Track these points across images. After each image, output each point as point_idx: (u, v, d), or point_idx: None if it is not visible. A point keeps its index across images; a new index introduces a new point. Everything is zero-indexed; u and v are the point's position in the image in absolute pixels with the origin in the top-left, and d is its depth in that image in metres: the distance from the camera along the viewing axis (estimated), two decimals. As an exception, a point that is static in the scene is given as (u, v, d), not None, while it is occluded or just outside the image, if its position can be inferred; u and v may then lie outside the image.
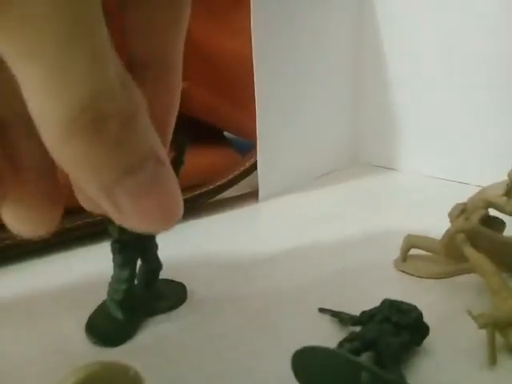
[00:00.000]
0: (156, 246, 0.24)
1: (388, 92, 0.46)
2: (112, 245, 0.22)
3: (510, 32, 0.39)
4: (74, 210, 0.32)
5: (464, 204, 0.28)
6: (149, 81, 0.15)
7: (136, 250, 0.23)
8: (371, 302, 0.23)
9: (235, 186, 0.40)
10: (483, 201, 0.27)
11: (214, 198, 0.39)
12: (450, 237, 0.25)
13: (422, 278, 0.28)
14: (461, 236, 0.25)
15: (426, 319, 0.23)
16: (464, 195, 0.29)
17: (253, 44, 0.37)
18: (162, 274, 0.26)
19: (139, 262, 0.24)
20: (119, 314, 0.23)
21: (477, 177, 0.41)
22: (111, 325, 0.23)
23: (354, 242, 0.33)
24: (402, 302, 0.22)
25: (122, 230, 0.22)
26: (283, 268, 0.29)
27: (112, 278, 0.23)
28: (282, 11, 0.39)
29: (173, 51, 0.16)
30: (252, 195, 0.40)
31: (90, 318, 0.23)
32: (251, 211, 0.38)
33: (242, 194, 0.41)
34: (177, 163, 0.23)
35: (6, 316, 0.25)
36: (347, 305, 0.24)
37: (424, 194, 0.41)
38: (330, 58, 0.44)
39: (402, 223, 0.35)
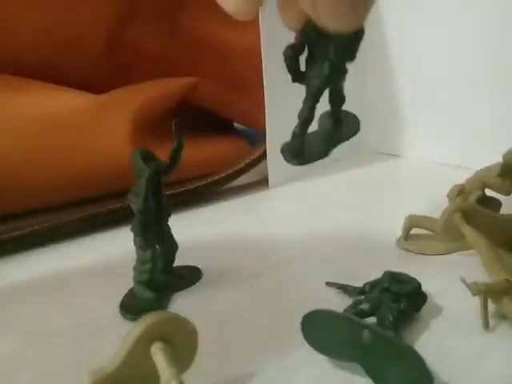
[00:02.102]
0: (170, 228, 0.26)
1: (391, 80, 0.47)
2: (134, 226, 0.24)
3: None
4: (97, 199, 0.35)
5: (462, 185, 0.30)
6: None
7: (155, 231, 0.25)
8: (375, 276, 0.25)
9: (246, 174, 0.42)
10: (479, 182, 0.29)
11: (226, 186, 0.41)
12: (447, 215, 0.27)
13: (423, 254, 0.30)
14: (458, 214, 0.27)
15: (424, 289, 0.25)
16: (465, 179, 0.31)
17: (261, 36, 0.39)
18: (179, 256, 0.28)
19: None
20: (148, 294, 0.25)
21: (478, 161, 0.43)
22: (143, 304, 0.25)
23: (359, 224, 0.34)
24: (401, 274, 0.24)
25: (145, 202, 0.24)
26: (293, 248, 0.31)
27: (136, 261, 0.25)
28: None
29: None
30: (262, 182, 0.42)
31: (122, 302, 0.25)
32: (262, 198, 0.40)
33: (252, 182, 0.43)
34: (178, 147, 0.25)
35: (44, 290, 0.27)
36: (353, 279, 0.26)
37: (427, 178, 0.43)
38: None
39: (405, 205, 0.36)
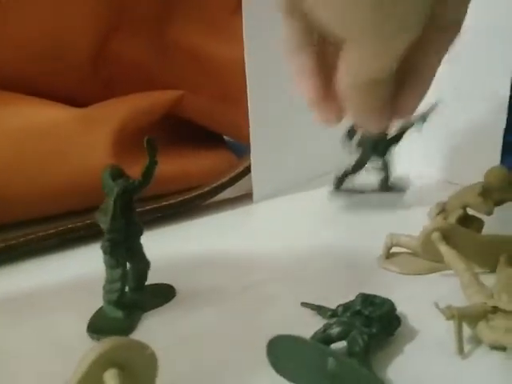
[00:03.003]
0: (142, 246, 0.25)
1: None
2: (103, 244, 0.24)
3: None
4: (75, 212, 0.35)
5: (443, 204, 0.29)
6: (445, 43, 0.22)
7: (124, 249, 0.24)
8: (353, 297, 0.24)
9: (231, 188, 0.42)
10: (460, 201, 0.29)
11: (210, 200, 0.40)
12: (426, 235, 0.27)
13: (403, 274, 0.29)
14: (436, 234, 0.26)
15: (400, 312, 0.24)
16: (449, 194, 0.31)
17: (245, 47, 0.38)
18: (155, 273, 0.27)
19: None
20: (117, 313, 0.25)
21: (463, 176, 0.42)
22: (112, 324, 0.24)
23: (341, 242, 0.34)
24: (375, 296, 0.23)
25: (112, 221, 0.23)
26: (271, 267, 0.31)
27: (105, 280, 0.25)
28: (275, 14, 0.40)
29: (464, 15, 0.22)
30: (247, 197, 0.42)
31: (90, 322, 0.25)
32: (245, 213, 0.40)
33: (237, 196, 0.42)
34: (150, 164, 0.24)
35: (11, 309, 0.27)
36: (331, 299, 0.26)
37: (414, 193, 0.42)
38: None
39: (389, 221, 0.36)
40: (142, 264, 0.26)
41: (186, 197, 0.38)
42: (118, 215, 0.23)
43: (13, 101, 0.35)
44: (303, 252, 0.32)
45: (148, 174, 0.25)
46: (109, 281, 0.25)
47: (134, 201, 0.25)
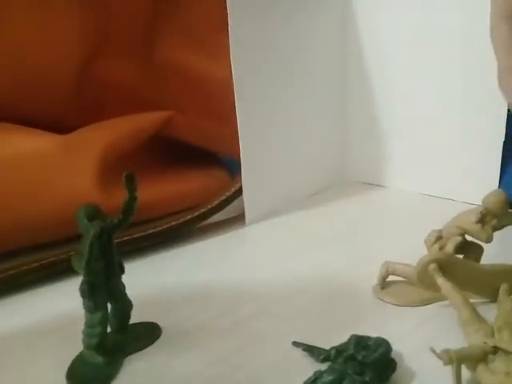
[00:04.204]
0: (124, 286, 0.24)
1: (375, 109, 0.46)
2: (80, 288, 0.23)
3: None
4: (58, 242, 0.34)
5: (439, 231, 0.28)
6: None
7: (104, 291, 0.23)
8: (347, 333, 0.23)
9: (223, 210, 0.40)
10: (458, 228, 0.27)
11: (200, 224, 0.39)
12: (422, 266, 0.25)
13: (399, 305, 0.28)
14: (433, 266, 0.25)
15: (396, 351, 0.23)
16: (450, 212, 0.29)
17: (232, 66, 0.37)
18: (139, 310, 0.26)
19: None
20: (98, 359, 0.23)
21: (464, 194, 0.41)
22: (92, 370, 0.23)
23: (337, 268, 0.32)
24: (368, 338, 0.22)
25: (87, 266, 0.22)
26: (262, 299, 0.29)
27: (85, 324, 0.23)
28: (261, 32, 0.39)
29: None
30: (239, 218, 0.40)
31: (69, 368, 0.23)
32: (237, 237, 0.38)
33: (229, 218, 0.41)
34: (130, 200, 0.23)
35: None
36: (324, 336, 0.25)
37: (412, 212, 0.41)
38: (316, 77, 0.44)
39: (386, 245, 0.35)
40: (124, 305, 0.25)
41: (173, 223, 0.37)
42: (95, 258, 0.22)
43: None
44: (295, 282, 0.31)
45: (128, 210, 0.24)
46: (88, 325, 0.23)
47: (113, 240, 0.23)
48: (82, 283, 0.23)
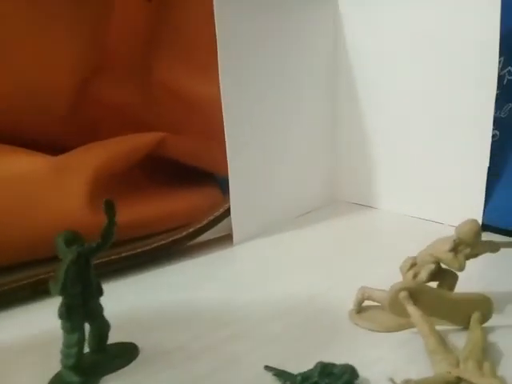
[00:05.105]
0: (101, 308, 0.25)
1: (365, 130, 0.46)
2: (58, 309, 0.24)
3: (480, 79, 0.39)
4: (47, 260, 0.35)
5: (414, 258, 0.29)
6: None
7: (81, 313, 0.24)
8: (319, 358, 0.24)
9: (211, 230, 0.41)
10: (431, 256, 0.28)
11: (188, 244, 0.40)
12: (393, 294, 0.26)
13: (374, 331, 0.28)
14: (403, 293, 0.26)
15: (364, 378, 0.23)
16: (436, 236, 0.30)
17: (220, 88, 0.38)
18: (118, 330, 0.27)
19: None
20: (74, 379, 0.24)
21: (450, 217, 0.42)
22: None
23: (317, 291, 0.33)
24: (334, 365, 0.22)
25: (63, 290, 0.23)
26: (241, 321, 0.30)
27: (62, 344, 0.24)
28: (251, 51, 0.40)
29: None
30: (228, 238, 0.41)
31: None
32: (224, 257, 0.39)
33: (216, 238, 0.42)
34: (109, 225, 0.24)
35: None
36: (296, 361, 0.25)
37: (400, 235, 0.42)
38: (305, 96, 0.45)
39: (371, 269, 0.35)
40: (101, 326, 0.25)
41: (162, 242, 0.38)
42: (72, 282, 0.23)
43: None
44: (274, 304, 0.32)
45: (107, 235, 0.24)
46: (65, 345, 0.24)
47: (91, 263, 0.24)
48: (60, 305, 0.24)
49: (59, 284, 0.23)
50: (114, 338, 0.27)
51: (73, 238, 0.23)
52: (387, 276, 0.30)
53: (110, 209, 0.24)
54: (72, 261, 0.23)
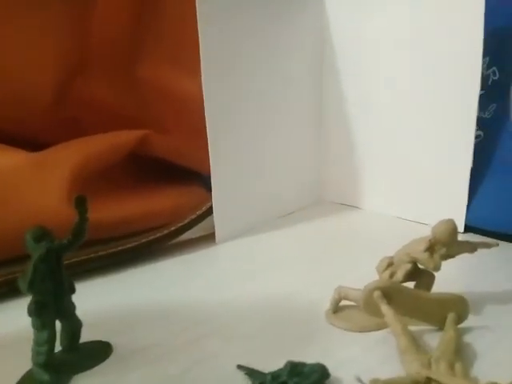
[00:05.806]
0: (74, 306, 0.25)
1: (351, 130, 0.46)
2: (28, 307, 0.23)
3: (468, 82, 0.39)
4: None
5: (391, 257, 0.29)
6: None
7: (52, 311, 0.24)
8: (293, 357, 0.24)
9: (194, 228, 0.41)
10: (407, 255, 0.28)
11: (170, 242, 0.39)
12: (367, 293, 0.26)
13: (350, 331, 0.28)
14: (377, 293, 0.25)
15: (335, 378, 0.23)
16: (419, 236, 0.29)
17: (203, 84, 0.38)
18: (93, 328, 0.27)
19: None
20: (45, 377, 0.24)
21: (435, 218, 0.41)
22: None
23: (296, 289, 0.33)
24: (304, 365, 0.22)
25: (31, 286, 0.23)
26: (217, 320, 0.30)
27: (33, 341, 0.24)
28: (235, 50, 0.40)
29: None
30: (210, 237, 0.41)
31: (17, 383, 0.24)
32: (205, 256, 0.39)
33: (200, 236, 0.41)
34: (80, 222, 0.24)
35: None
36: (269, 360, 0.25)
37: (385, 235, 0.42)
38: (291, 96, 0.45)
39: (352, 269, 0.35)
40: (73, 324, 0.25)
41: (143, 241, 0.37)
42: (42, 279, 0.23)
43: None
44: (252, 303, 0.31)
45: (79, 232, 0.24)
46: (36, 343, 0.24)
47: (62, 260, 0.24)
48: (30, 302, 0.23)
49: (27, 281, 0.22)
50: (87, 336, 0.27)
51: (42, 234, 0.23)
52: (368, 276, 0.30)
53: (81, 205, 0.24)
54: (40, 257, 0.22)
